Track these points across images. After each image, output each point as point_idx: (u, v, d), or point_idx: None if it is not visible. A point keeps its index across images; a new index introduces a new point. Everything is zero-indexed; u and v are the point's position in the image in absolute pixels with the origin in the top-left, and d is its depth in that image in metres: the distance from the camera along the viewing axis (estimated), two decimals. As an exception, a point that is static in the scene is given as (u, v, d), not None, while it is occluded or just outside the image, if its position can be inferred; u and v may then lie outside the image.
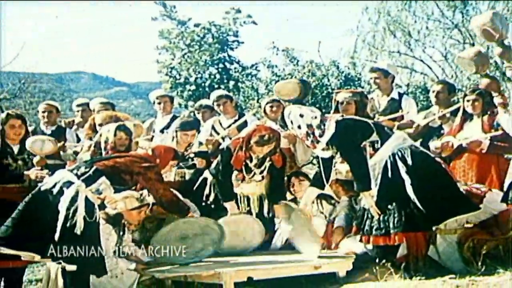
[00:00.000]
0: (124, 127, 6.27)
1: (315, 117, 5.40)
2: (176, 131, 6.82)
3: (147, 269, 5.51)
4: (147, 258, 5.81)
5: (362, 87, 14.63)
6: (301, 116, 5.44)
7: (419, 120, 6.86)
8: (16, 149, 5.97)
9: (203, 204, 6.46)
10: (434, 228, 5.26)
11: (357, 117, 5.74)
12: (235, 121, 7.51)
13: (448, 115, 6.74)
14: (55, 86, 28.16)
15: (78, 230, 4.71)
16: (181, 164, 6.63)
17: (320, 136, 5.34)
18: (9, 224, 4.82)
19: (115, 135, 6.15)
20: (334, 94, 6.86)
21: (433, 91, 7.04)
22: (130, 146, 6.26)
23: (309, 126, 5.37)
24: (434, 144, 6.45)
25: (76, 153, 7.29)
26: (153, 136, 7.78)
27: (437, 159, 5.60)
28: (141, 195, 5.57)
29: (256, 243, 6.24)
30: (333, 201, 6.30)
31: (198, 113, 8.17)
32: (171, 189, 5.63)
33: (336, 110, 6.43)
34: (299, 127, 5.44)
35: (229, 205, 6.26)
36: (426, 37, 18.18)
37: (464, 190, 5.30)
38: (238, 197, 6.40)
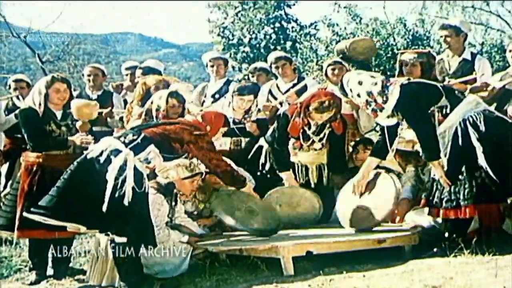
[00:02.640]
0: (176, 94, 6.28)
1: (375, 84, 5.33)
2: (233, 96, 6.89)
3: (200, 241, 5.62)
4: (200, 230, 5.92)
5: (431, 47, 14.43)
6: (360, 83, 5.38)
7: (494, 82, 6.74)
8: (59, 114, 6.02)
9: (259, 173, 6.53)
10: (509, 200, 5.21)
11: (424, 80, 5.66)
12: (294, 85, 7.46)
13: (527, 76, 6.61)
14: (100, 48, 28.40)
15: (127, 200, 4.74)
16: (237, 131, 6.72)
17: (384, 102, 5.32)
18: (54, 193, 4.85)
19: (167, 102, 6.18)
20: (398, 55, 6.80)
21: (510, 50, 6.91)
22: (183, 114, 6.28)
23: (369, 93, 5.31)
24: (511, 108, 6.35)
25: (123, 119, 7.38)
26: (204, 101, 7.83)
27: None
28: (191, 163, 5.64)
29: (313, 215, 6.30)
30: (397, 172, 6.27)
31: (253, 76, 8.18)
32: (225, 159, 5.68)
33: (401, 73, 6.37)
34: (358, 95, 5.40)
35: (285, 175, 6.31)
36: (504, -11, 17.73)
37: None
38: (296, 167, 6.46)
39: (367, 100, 5.34)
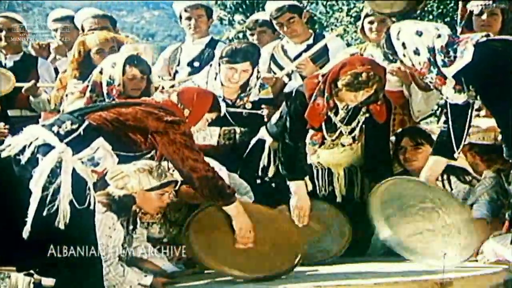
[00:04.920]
0: (138, 60, 6.33)
1: (439, 36, 5.30)
2: (220, 64, 6.83)
3: (172, 283, 5.62)
4: (172, 267, 5.92)
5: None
6: (419, 34, 5.32)
7: None
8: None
9: (259, 181, 6.54)
10: None
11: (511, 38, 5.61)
12: (309, 46, 7.48)
13: None
14: (13, -13, 28.47)
15: (61, 222, 4.72)
16: (229, 118, 6.72)
17: (445, 65, 5.22)
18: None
19: (124, 72, 6.22)
20: (461, 1, 6.77)
21: None
22: (149, 91, 6.30)
23: (431, 50, 5.25)
24: None
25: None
26: (176, 72, 7.82)
27: None
28: (159, 167, 5.62)
29: (338, 248, 6.35)
30: (469, 178, 6.29)
31: (252, 34, 8.17)
32: (206, 160, 5.60)
33: (468, 27, 6.35)
34: (416, 52, 5.33)
35: (295, 186, 6.21)
36: None
37: None
38: (314, 171, 6.48)
39: (429, 60, 5.26)
